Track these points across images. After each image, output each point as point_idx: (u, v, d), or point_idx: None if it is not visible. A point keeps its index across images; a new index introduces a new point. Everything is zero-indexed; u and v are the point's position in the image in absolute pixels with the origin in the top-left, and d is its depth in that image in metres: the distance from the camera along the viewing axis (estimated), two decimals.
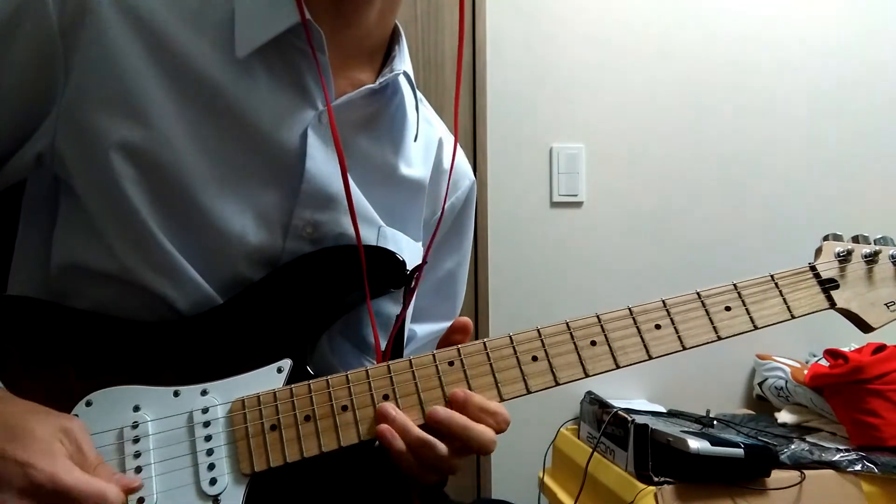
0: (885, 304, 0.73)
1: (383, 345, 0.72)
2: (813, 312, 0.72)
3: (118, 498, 0.54)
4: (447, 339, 0.68)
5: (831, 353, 1.43)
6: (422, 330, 0.88)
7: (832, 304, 0.72)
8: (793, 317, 0.70)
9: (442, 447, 0.61)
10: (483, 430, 0.62)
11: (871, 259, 0.74)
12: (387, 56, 0.77)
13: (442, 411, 0.62)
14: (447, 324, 0.91)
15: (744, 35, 1.85)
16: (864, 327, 0.73)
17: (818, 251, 0.75)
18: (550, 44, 1.79)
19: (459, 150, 0.90)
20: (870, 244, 0.75)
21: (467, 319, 0.68)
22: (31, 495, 0.51)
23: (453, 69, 1.76)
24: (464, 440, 0.62)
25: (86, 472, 0.54)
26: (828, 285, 0.72)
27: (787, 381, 1.61)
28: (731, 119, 1.85)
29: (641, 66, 1.82)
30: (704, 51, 1.84)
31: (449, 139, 0.87)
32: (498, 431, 0.64)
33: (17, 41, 0.63)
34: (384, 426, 0.61)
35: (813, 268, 0.73)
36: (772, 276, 0.71)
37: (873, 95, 1.90)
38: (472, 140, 1.75)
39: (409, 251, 0.76)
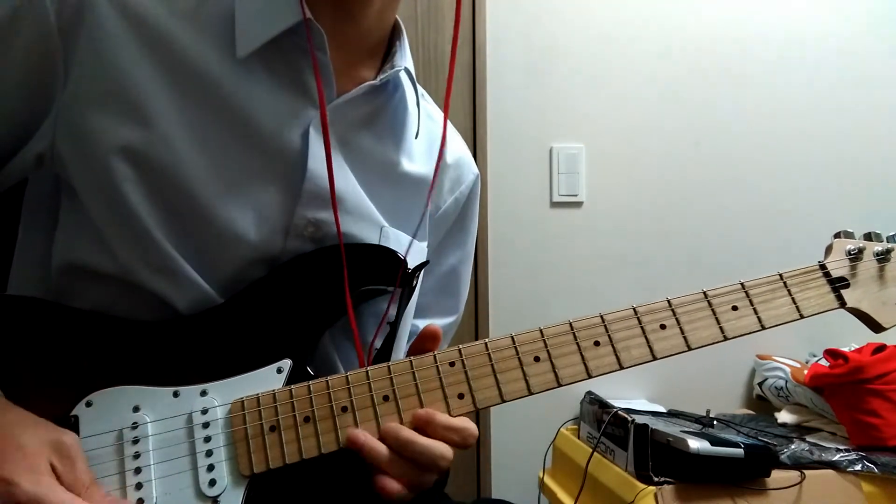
0: None
1: (378, 343, 0.72)
2: (823, 312, 0.70)
3: None
4: (420, 347, 0.67)
5: (831, 353, 1.43)
6: (424, 325, 0.88)
7: (842, 304, 0.70)
8: (802, 317, 0.69)
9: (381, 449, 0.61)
10: (431, 445, 0.61)
11: (884, 257, 0.72)
12: (387, 52, 0.77)
13: (391, 427, 0.62)
14: (450, 319, 0.92)
15: (744, 34, 1.85)
16: (876, 327, 0.72)
17: (828, 249, 0.74)
18: (550, 44, 1.79)
19: (463, 144, 0.90)
20: (882, 242, 0.73)
21: (437, 327, 0.67)
22: None
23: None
24: (413, 456, 0.61)
25: (77, 491, 0.54)
26: (838, 284, 0.71)
27: (787, 381, 1.61)
28: (731, 118, 1.84)
29: (641, 66, 1.81)
30: (704, 50, 1.84)
31: (452, 134, 0.87)
32: (465, 446, 0.63)
33: (16, 40, 0.62)
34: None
35: (823, 266, 0.71)
36: (780, 275, 0.70)
37: (875, 92, 1.89)
38: (472, 140, 1.75)
39: (412, 252, 0.75)
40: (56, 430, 0.56)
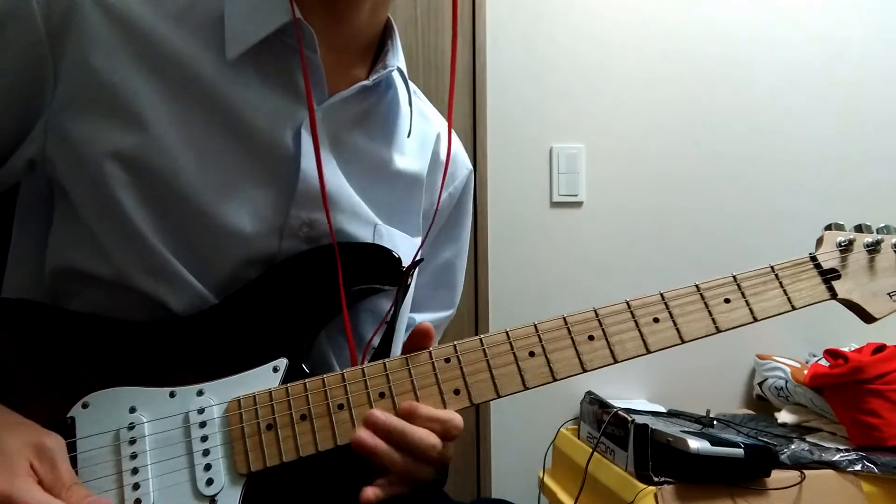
0: (888, 294, 0.72)
1: (376, 342, 0.72)
2: (814, 303, 0.70)
3: None
4: (412, 346, 0.66)
5: (831, 353, 1.42)
6: (421, 319, 0.88)
7: (833, 295, 0.71)
8: (793, 308, 0.69)
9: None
10: (420, 434, 0.61)
11: (874, 248, 0.72)
12: (379, 51, 0.77)
13: (380, 414, 0.62)
14: (447, 313, 0.93)
15: (744, 34, 1.85)
16: (867, 318, 0.72)
17: (819, 241, 0.74)
18: (550, 44, 1.79)
19: (457, 140, 0.90)
20: (872, 233, 0.74)
21: (428, 324, 0.66)
22: None
23: None
24: (403, 444, 0.61)
25: (56, 492, 0.53)
26: (829, 275, 0.71)
27: (787, 381, 1.61)
28: (731, 118, 1.84)
29: (641, 66, 1.81)
30: (704, 50, 1.84)
31: (445, 131, 0.87)
32: (448, 438, 0.63)
33: (4, 47, 0.62)
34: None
35: (814, 258, 0.72)
36: (772, 268, 0.70)
37: (874, 92, 1.89)
38: (472, 140, 1.75)
39: (406, 249, 0.75)
40: (38, 432, 0.56)
